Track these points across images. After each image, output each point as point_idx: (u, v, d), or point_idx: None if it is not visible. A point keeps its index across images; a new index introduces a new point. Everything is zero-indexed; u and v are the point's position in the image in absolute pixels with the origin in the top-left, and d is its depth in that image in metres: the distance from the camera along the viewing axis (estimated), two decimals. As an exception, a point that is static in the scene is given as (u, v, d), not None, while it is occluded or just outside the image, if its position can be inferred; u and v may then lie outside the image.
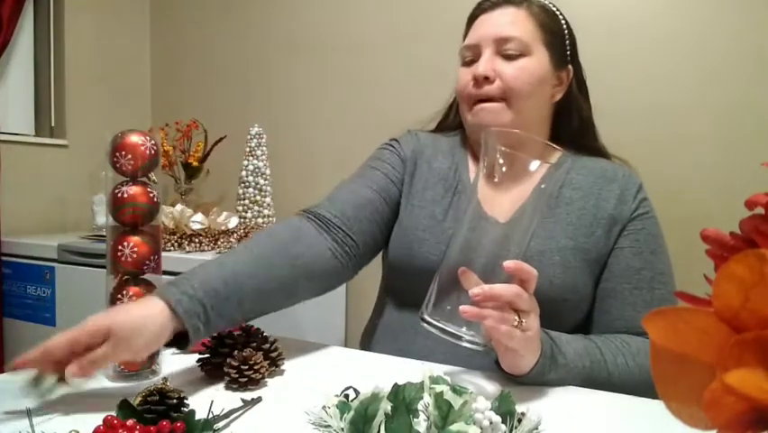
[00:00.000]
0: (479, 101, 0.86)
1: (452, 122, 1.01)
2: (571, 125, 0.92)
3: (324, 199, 0.90)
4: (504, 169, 0.64)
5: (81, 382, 0.60)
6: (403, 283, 0.90)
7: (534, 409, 0.51)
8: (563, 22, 0.90)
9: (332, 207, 0.87)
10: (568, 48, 0.90)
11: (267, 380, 0.70)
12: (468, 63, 0.89)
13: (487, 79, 0.84)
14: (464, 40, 0.92)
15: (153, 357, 0.70)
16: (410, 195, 0.91)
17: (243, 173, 1.79)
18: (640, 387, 0.71)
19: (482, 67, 0.84)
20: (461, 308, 0.58)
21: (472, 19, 0.91)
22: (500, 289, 0.60)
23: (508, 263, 0.60)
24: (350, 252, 0.84)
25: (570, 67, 0.91)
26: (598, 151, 0.94)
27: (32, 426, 0.54)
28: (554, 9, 0.90)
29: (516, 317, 0.61)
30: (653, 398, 0.63)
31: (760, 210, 0.26)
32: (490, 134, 0.66)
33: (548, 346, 0.68)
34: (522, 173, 0.65)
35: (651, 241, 0.84)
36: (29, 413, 0.56)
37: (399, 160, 0.95)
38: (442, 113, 1.03)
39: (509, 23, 0.85)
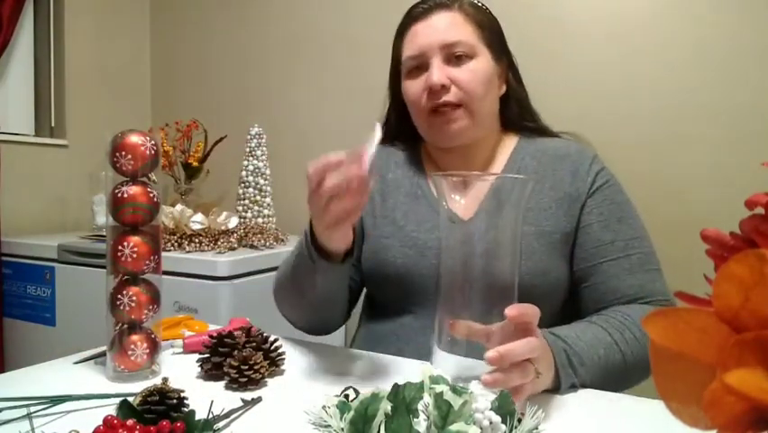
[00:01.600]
0: (435, 110, 0.84)
1: (394, 131, 0.98)
2: (514, 113, 0.93)
3: None
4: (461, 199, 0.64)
5: None
6: (378, 292, 0.93)
7: (534, 409, 0.51)
8: (491, 15, 0.90)
9: None
10: (500, 40, 0.90)
11: (267, 380, 0.70)
12: (415, 73, 0.87)
13: (443, 88, 0.83)
14: (396, 51, 0.91)
15: (153, 357, 0.71)
16: (373, 211, 0.94)
17: (243, 173, 1.79)
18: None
19: (436, 76, 0.82)
20: (484, 379, 0.56)
21: (405, 28, 0.89)
22: (516, 349, 0.57)
23: (510, 311, 0.57)
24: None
25: (504, 58, 0.91)
26: (544, 130, 0.94)
27: (32, 426, 0.54)
28: (481, 4, 0.90)
29: (534, 366, 0.59)
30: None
31: (760, 210, 0.26)
32: (437, 181, 0.65)
33: (563, 357, 0.66)
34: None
35: (615, 209, 0.84)
36: (29, 413, 0.57)
37: None
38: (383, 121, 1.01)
39: (449, 27, 0.84)
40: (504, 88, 0.91)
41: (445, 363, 0.60)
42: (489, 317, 0.59)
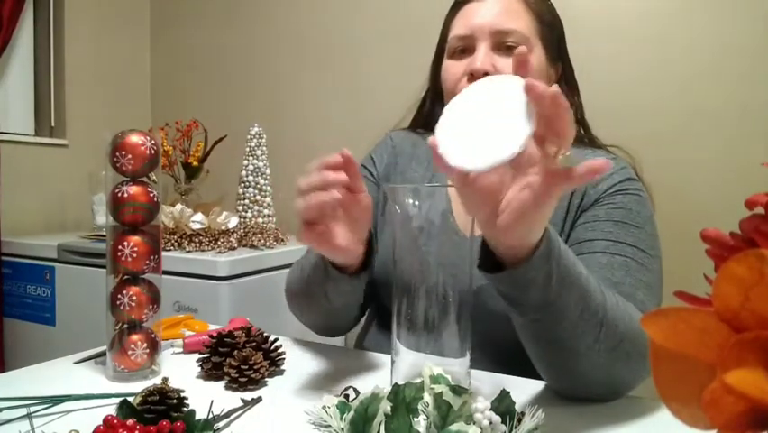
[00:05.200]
0: None
1: (427, 116, 0.94)
2: None
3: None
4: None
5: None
6: (386, 301, 0.87)
7: (534, 409, 0.51)
8: (555, 12, 0.85)
9: None
10: (559, 42, 0.86)
11: (267, 380, 0.70)
12: (458, 55, 0.81)
13: (485, 75, 0.76)
14: (446, 28, 0.86)
15: (153, 357, 0.71)
16: (381, 213, 0.90)
17: (243, 173, 1.79)
18: (628, 336, 0.59)
19: (480, 62, 0.76)
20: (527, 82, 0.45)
21: (459, 5, 0.84)
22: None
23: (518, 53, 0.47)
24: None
25: (559, 63, 0.86)
26: (591, 142, 0.88)
27: (32, 426, 0.54)
28: None
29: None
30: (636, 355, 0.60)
31: (760, 210, 0.26)
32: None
33: (549, 225, 0.54)
34: None
35: (618, 213, 0.74)
36: (29, 413, 0.57)
37: (374, 185, 0.92)
38: (415, 108, 0.97)
39: (506, 12, 0.79)
40: None
41: (407, 359, 0.59)
42: (446, 316, 0.59)
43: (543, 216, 0.50)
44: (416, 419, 0.47)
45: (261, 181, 1.79)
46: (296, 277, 0.83)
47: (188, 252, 1.60)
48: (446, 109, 0.51)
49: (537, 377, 0.68)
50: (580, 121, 0.89)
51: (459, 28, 0.82)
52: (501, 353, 0.74)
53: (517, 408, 0.50)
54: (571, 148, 0.83)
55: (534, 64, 0.79)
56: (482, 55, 0.77)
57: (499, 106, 0.48)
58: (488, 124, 0.48)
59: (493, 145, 0.46)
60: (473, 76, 0.77)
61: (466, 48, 0.80)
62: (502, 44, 0.78)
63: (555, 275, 0.54)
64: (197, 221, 1.65)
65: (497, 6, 0.79)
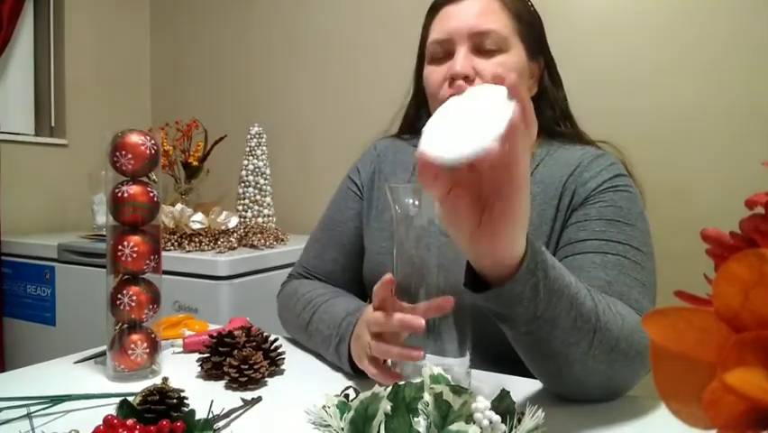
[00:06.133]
0: None
1: (413, 122, 0.94)
2: (546, 117, 0.86)
3: (307, 264, 0.94)
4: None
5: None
6: None
7: (534, 409, 0.51)
8: (533, 8, 0.85)
9: (326, 277, 0.91)
10: (539, 37, 0.85)
11: (267, 380, 0.70)
12: (438, 60, 0.81)
13: (466, 78, 0.77)
14: (425, 31, 0.86)
15: (153, 357, 0.71)
16: (369, 219, 0.91)
17: (243, 173, 1.79)
18: (623, 337, 0.59)
19: (460, 65, 0.77)
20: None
21: (436, 9, 0.84)
22: None
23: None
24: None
25: (541, 58, 0.86)
26: (579, 137, 0.87)
27: (32, 426, 0.54)
28: None
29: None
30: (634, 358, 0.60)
31: (760, 210, 0.26)
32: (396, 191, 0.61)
33: (532, 238, 0.54)
34: None
35: (610, 212, 0.73)
36: (29, 413, 0.57)
37: (358, 197, 0.94)
38: (403, 113, 0.97)
39: (483, 14, 0.78)
40: (535, 90, 0.85)
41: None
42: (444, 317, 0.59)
43: (521, 210, 0.49)
44: (416, 419, 0.47)
45: (261, 181, 1.79)
46: (295, 324, 0.85)
47: (188, 251, 1.60)
48: (426, 127, 0.52)
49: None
50: (565, 114, 0.89)
51: (437, 32, 0.82)
52: (501, 352, 0.74)
53: (517, 408, 0.50)
54: (560, 146, 0.85)
55: (514, 63, 0.79)
56: (462, 58, 0.77)
57: (480, 107, 0.50)
58: (468, 122, 0.49)
59: (473, 136, 0.47)
60: (454, 80, 0.77)
61: (445, 52, 0.81)
62: (481, 45, 0.78)
63: (542, 288, 0.53)
64: (197, 221, 1.65)
65: (473, 8, 0.79)
